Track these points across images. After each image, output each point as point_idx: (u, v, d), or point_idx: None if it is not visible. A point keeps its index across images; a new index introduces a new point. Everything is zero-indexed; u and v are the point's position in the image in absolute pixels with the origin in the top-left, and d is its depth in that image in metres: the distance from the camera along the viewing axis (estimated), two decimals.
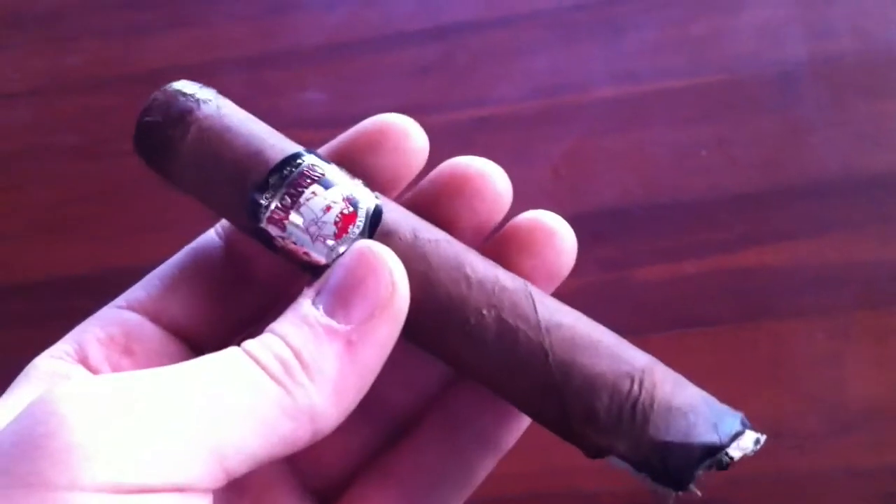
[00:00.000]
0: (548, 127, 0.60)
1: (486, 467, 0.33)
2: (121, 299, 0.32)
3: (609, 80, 0.61)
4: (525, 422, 0.33)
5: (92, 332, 0.30)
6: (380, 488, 0.32)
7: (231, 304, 0.33)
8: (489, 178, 0.31)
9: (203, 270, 0.33)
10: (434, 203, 0.31)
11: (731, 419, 0.27)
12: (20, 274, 0.62)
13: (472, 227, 0.31)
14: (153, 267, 0.33)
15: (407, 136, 0.31)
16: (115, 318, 0.31)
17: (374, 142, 0.31)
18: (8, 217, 0.64)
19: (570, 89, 0.61)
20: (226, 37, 0.66)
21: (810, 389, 0.53)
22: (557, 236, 0.31)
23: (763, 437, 0.27)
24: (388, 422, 0.33)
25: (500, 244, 0.31)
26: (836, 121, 0.58)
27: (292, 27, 0.66)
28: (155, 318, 0.32)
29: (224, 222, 0.34)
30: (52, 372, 0.29)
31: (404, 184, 0.32)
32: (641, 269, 0.56)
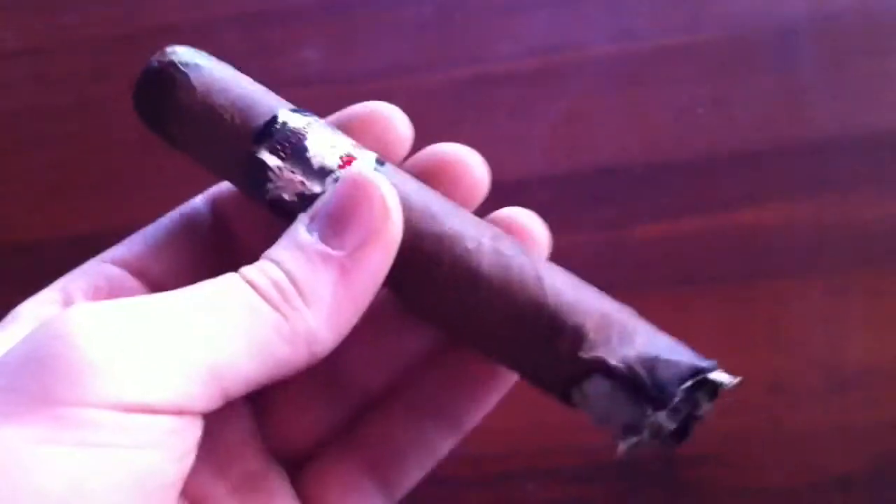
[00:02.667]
0: (546, 85, 0.60)
1: (448, 445, 0.34)
2: (105, 255, 0.33)
3: (607, 38, 0.61)
4: (487, 406, 0.34)
5: (77, 282, 0.31)
6: (344, 457, 0.33)
7: (214, 270, 0.33)
8: (468, 165, 0.32)
9: (187, 236, 0.33)
10: None
11: (708, 360, 0.28)
12: (21, 232, 0.62)
13: None
14: None
15: (391, 124, 0.32)
16: (101, 270, 0.32)
17: (358, 128, 0.32)
18: (8, 177, 0.64)
19: (568, 47, 0.61)
20: None
21: (807, 347, 0.53)
22: (531, 234, 0.32)
23: (739, 378, 0.28)
24: (358, 397, 0.34)
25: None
26: (835, 79, 0.58)
27: None
28: (139, 276, 0.32)
29: (211, 191, 0.34)
30: (40, 315, 0.30)
31: None
32: (640, 228, 0.56)
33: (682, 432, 0.28)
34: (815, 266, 0.55)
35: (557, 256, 0.32)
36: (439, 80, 0.60)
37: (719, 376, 0.28)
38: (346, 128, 0.32)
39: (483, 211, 0.33)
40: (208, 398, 0.25)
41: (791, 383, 0.53)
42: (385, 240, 0.28)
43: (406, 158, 0.33)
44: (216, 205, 0.34)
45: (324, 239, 0.28)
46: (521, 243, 0.30)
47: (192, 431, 0.26)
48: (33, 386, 0.23)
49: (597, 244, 0.56)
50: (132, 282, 0.32)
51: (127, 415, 0.24)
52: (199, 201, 0.34)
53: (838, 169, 0.56)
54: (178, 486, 0.26)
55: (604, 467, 0.52)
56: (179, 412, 0.25)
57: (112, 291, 0.31)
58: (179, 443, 0.25)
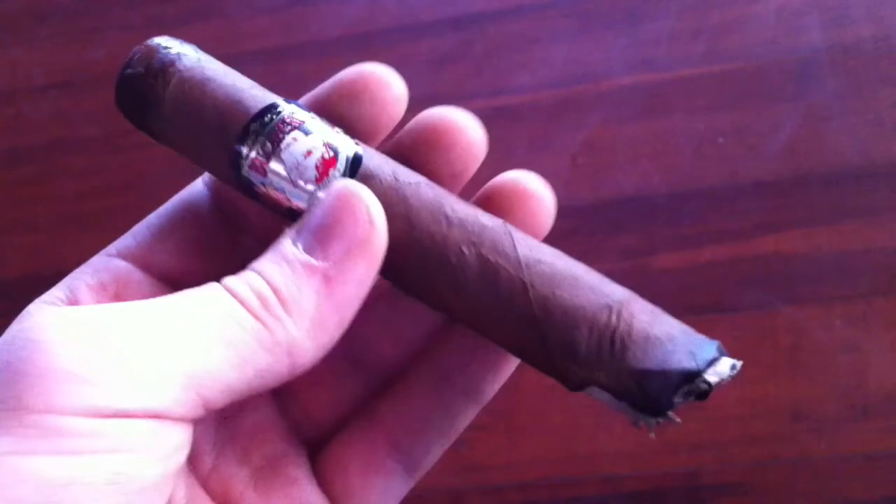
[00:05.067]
0: (566, 116, 0.60)
1: (467, 415, 0.34)
2: (111, 248, 0.32)
3: (627, 68, 0.61)
4: (505, 374, 0.34)
5: (83, 279, 0.31)
6: (366, 433, 0.33)
7: (219, 253, 0.33)
8: (463, 129, 0.31)
9: (190, 220, 0.33)
10: (411, 153, 0.32)
11: (707, 346, 0.28)
12: (48, 264, 0.63)
13: (447, 177, 0.31)
14: None
15: (386, 85, 0.31)
16: (106, 265, 0.31)
17: (354, 91, 0.31)
18: (36, 209, 0.65)
19: (588, 78, 0.61)
20: (246, 29, 0.67)
21: (829, 375, 0.53)
22: (535, 198, 0.32)
23: (739, 363, 0.28)
24: (376, 373, 0.34)
25: (478, 204, 0.32)
26: (854, 108, 0.58)
27: (312, 19, 0.66)
28: (144, 267, 0.32)
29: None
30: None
31: (384, 133, 0.32)
32: (661, 257, 0.56)
33: (700, 394, 0.27)
34: (836, 294, 0.55)
35: None
36: None
37: (715, 372, 0.27)
38: (340, 93, 0.32)
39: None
40: (186, 405, 0.25)
41: (814, 411, 0.53)
42: (369, 251, 0.28)
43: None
44: (217, 186, 0.34)
45: (308, 250, 0.28)
46: (508, 232, 0.29)
47: (174, 435, 0.25)
48: (3, 393, 0.23)
49: (617, 273, 0.55)
50: (138, 274, 0.32)
51: (100, 420, 0.23)
52: (199, 184, 0.34)
53: (858, 197, 0.56)
54: (163, 486, 0.26)
55: (627, 496, 0.52)
56: (155, 417, 0.24)
57: (118, 286, 0.31)
58: (159, 446, 0.25)
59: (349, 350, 0.28)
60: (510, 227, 0.30)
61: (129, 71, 0.31)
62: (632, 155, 0.59)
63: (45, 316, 0.25)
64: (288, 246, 0.28)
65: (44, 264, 0.63)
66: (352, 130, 0.31)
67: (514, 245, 0.29)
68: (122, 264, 0.32)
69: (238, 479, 0.31)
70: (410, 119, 0.32)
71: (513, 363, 0.33)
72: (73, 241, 0.63)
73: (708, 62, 0.60)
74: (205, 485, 0.31)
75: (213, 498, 0.31)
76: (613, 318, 0.28)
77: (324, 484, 0.33)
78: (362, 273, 0.28)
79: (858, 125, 0.57)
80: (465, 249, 0.29)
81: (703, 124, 0.59)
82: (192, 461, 0.27)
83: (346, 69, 0.32)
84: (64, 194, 0.65)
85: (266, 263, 0.28)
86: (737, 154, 0.58)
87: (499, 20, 0.64)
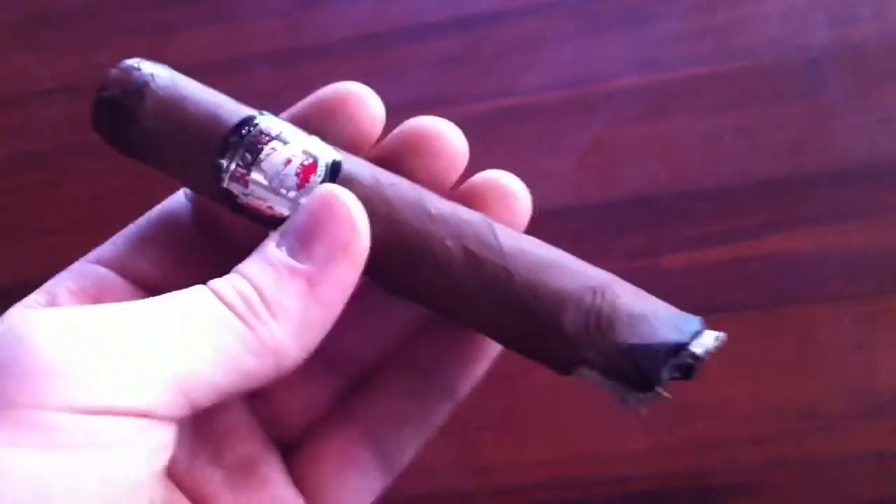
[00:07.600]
0: (573, 116, 0.61)
1: (443, 412, 0.34)
2: (91, 255, 0.33)
3: (634, 69, 0.61)
4: (481, 369, 0.34)
5: (64, 284, 0.31)
6: (339, 432, 0.33)
7: (199, 263, 0.33)
8: (446, 138, 0.32)
9: (171, 230, 0.34)
10: (394, 160, 0.32)
11: (691, 321, 0.28)
12: (58, 269, 0.63)
13: (428, 184, 0.32)
14: None
15: (362, 103, 0.32)
16: (87, 271, 0.32)
17: (330, 109, 0.32)
18: (48, 212, 0.66)
19: (595, 79, 0.61)
20: (255, 32, 0.67)
21: (838, 374, 0.53)
22: (513, 195, 0.32)
23: (723, 335, 0.28)
24: (351, 373, 0.35)
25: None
26: (860, 106, 0.58)
27: (320, 21, 0.67)
28: (125, 274, 0.32)
29: None
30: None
31: (361, 150, 0.32)
32: (668, 257, 0.56)
33: (687, 370, 0.28)
34: (844, 292, 0.54)
35: None
36: (467, 112, 0.61)
37: (700, 344, 0.28)
38: (317, 112, 0.32)
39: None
40: (172, 405, 0.25)
41: (822, 410, 0.53)
42: (352, 253, 0.28)
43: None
44: (198, 197, 0.34)
45: (292, 253, 0.28)
46: (489, 224, 0.30)
47: (160, 434, 0.26)
48: None
49: (624, 273, 0.55)
50: (118, 281, 0.32)
51: (86, 417, 0.24)
52: (180, 195, 0.35)
53: (866, 195, 0.56)
54: (150, 485, 0.26)
55: (635, 496, 0.52)
56: (142, 416, 0.25)
57: (98, 291, 0.31)
58: (145, 444, 0.25)
59: (321, 350, 0.29)
60: (491, 220, 0.30)
61: (105, 93, 0.32)
62: (639, 155, 0.59)
63: (29, 317, 0.26)
64: (272, 250, 0.28)
65: (54, 269, 0.63)
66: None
67: (497, 236, 0.30)
68: (103, 270, 0.32)
69: (212, 480, 0.32)
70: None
71: (487, 359, 0.34)
72: (84, 244, 0.63)
73: (715, 61, 0.60)
74: (180, 486, 0.31)
75: (189, 499, 0.31)
76: (598, 298, 0.29)
77: (298, 482, 0.33)
78: (346, 275, 0.29)
79: (866, 124, 0.57)
80: (448, 243, 0.30)
81: (709, 124, 0.59)
82: (168, 463, 0.27)
83: (323, 88, 0.32)
84: (75, 198, 0.65)
85: (251, 267, 0.28)
86: (744, 153, 0.58)
87: (505, 21, 0.64)
